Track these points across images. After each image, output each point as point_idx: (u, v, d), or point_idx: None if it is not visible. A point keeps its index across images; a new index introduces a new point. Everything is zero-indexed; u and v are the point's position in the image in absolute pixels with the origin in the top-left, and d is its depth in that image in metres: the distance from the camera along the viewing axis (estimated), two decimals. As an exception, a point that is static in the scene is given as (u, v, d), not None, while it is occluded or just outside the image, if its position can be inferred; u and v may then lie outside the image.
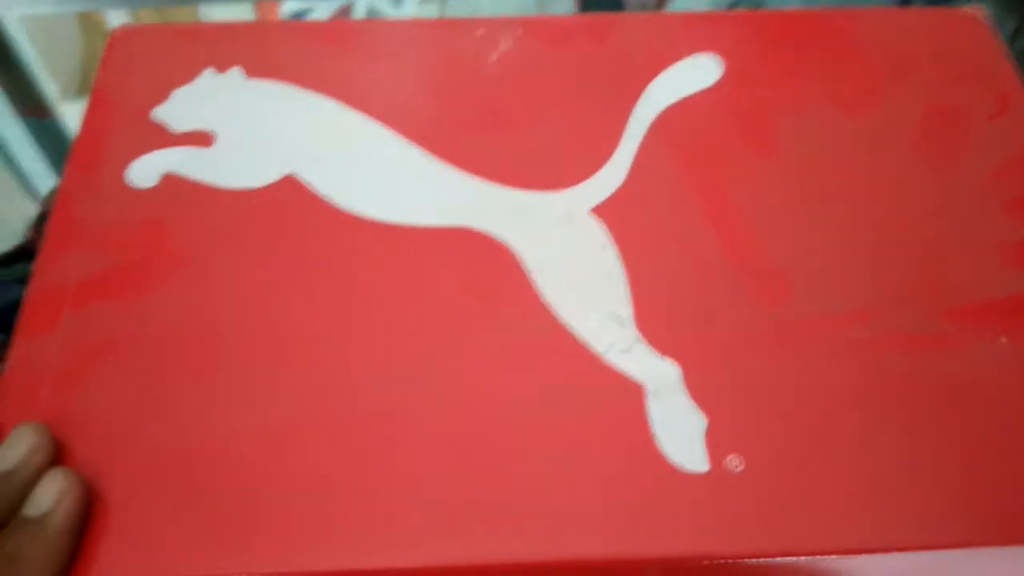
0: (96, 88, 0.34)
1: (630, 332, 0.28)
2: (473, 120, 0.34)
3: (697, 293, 0.29)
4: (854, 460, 0.26)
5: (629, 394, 0.27)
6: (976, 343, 0.29)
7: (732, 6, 0.90)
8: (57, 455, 0.25)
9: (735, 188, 0.32)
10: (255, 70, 0.35)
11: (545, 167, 0.32)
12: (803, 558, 0.25)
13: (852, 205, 0.32)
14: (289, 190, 0.32)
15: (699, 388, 0.27)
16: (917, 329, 0.29)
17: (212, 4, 0.84)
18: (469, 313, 0.29)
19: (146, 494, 0.25)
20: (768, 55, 0.36)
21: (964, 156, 0.33)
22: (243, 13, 0.89)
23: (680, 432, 0.26)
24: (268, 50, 0.36)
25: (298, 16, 0.89)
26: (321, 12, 0.89)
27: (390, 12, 0.92)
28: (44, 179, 0.88)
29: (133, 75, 0.35)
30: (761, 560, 0.25)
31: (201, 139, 0.33)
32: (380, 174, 0.32)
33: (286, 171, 0.32)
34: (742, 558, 0.25)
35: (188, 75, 0.35)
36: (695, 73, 0.35)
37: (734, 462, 0.26)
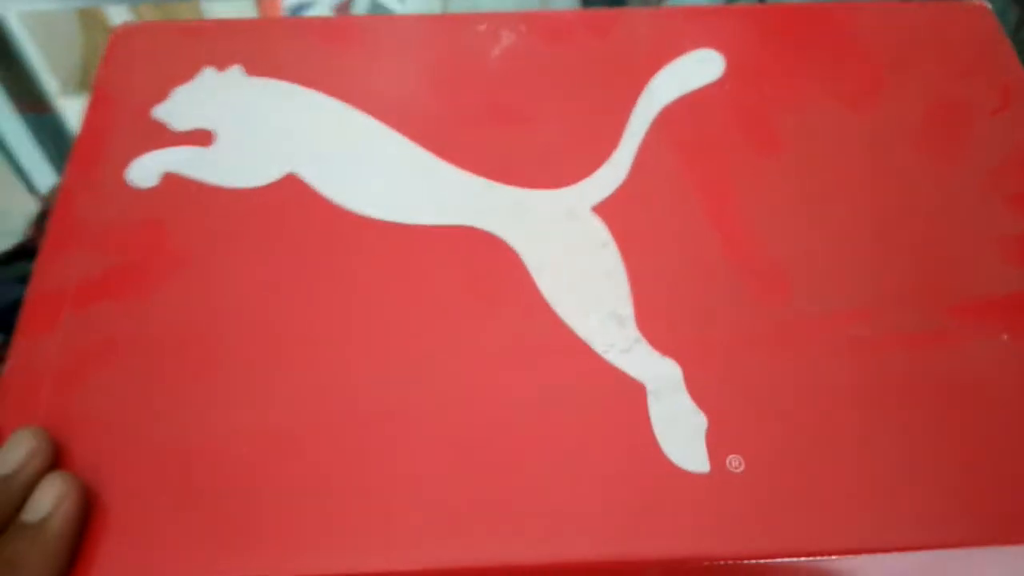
0: (97, 86, 0.34)
1: (630, 332, 0.28)
2: (474, 117, 0.34)
3: (697, 292, 0.29)
4: (855, 459, 0.26)
5: (629, 394, 0.27)
6: (977, 340, 0.28)
7: (733, 0, 0.89)
8: (56, 459, 0.25)
9: (736, 185, 0.32)
10: (256, 67, 0.35)
11: (546, 164, 0.32)
12: (803, 558, 0.25)
13: (854, 202, 0.31)
14: (290, 189, 0.31)
15: (699, 388, 0.27)
16: (918, 327, 0.29)
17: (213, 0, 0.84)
18: (470, 312, 0.29)
19: (146, 495, 0.25)
20: (771, 49, 0.36)
21: (967, 151, 0.33)
22: (245, 8, 0.89)
23: (680, 432, 0.26)
24: (269, 47, 0.36)
25: (299, 11, 0.89)
26: (322, 8, 0.88)
27: (391, 7, 0.92)
28: (44, 175, 0.88)
29: (134, 73, 0.35)
30: (761, 560, 0.25)
31: (202, 138, 0.33)
32: (381, 172, 0.32)
33: (287, 170, 0.32)
34: (742, 558, 0.25)
35: (189, 73, 0.35)
36: (697, 68, 0.35)
37: (735, 462, 0.26)
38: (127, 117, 0.33)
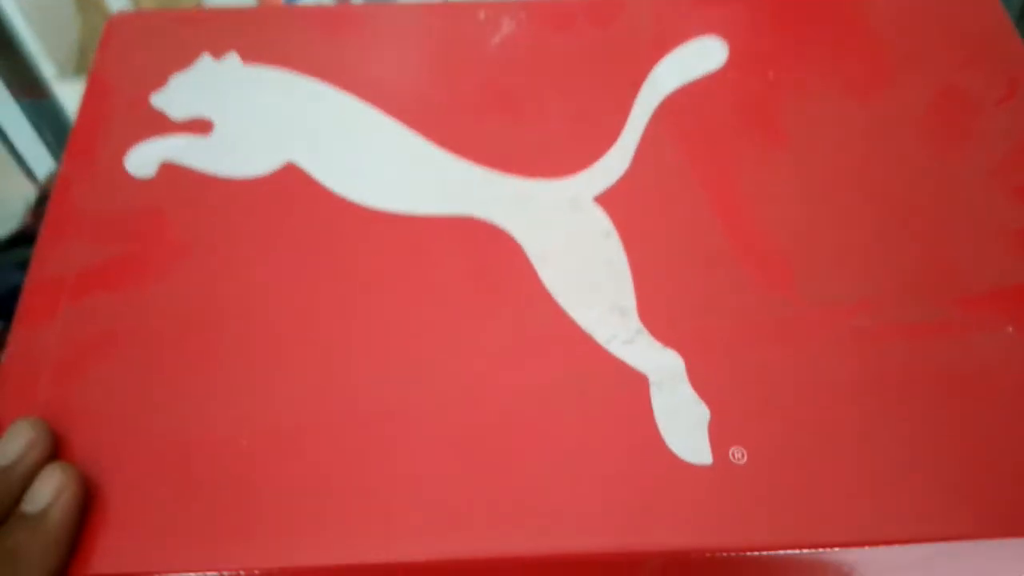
0: (94, 74, 0.34)
1: (633, 323, 0.28)
2: (475, 106, 0.33)
3: (700, 283, 0.29)
4: (858, 451, 0.26)
5: (632, 385, 0.27)
6: (982, 332, 0.28)
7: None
8: (55, 450, 0.25)
9: (739, 175, 0.31)
10: (254, 55, 0.34)
11: (548, 154, 0.32)
12: (806, 550, 0.25)
13: (858, 192, 0.31)
14: (289, 178, 0.31)
15: (702, 379, 0.27)
16: (922, 319, 0.28)
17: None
18: (471, 303, 0.29)
19: (145, 486, 0.25)
20: (774, 38, 0.35)
21: (972, 141, 0.33)
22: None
23: (683, 423, 0.26)
24: (267, 35, 0.35)
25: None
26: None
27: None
28: (42, 161, 0.87)
29: (131, 61, 0.34)
30: (764, 552, 0.25)
31: (200, 126, 0.32)
32: (381, 162, 0.32)
33: (286, 159, 0.32)
34: (745, 550, 0.25)
35: (187, 61, 0.34)
36: (700, 56, 0.35)
37: (737, 453, 0.26)
38: (124, 105, 0.33)
